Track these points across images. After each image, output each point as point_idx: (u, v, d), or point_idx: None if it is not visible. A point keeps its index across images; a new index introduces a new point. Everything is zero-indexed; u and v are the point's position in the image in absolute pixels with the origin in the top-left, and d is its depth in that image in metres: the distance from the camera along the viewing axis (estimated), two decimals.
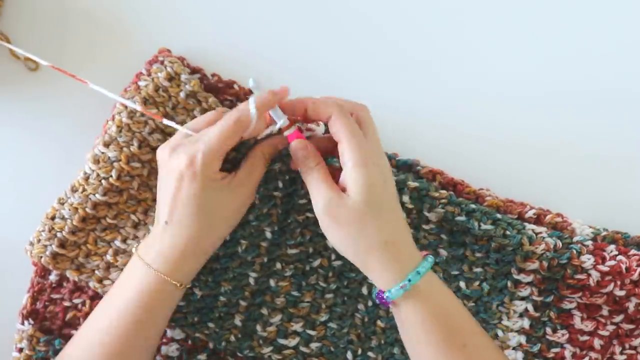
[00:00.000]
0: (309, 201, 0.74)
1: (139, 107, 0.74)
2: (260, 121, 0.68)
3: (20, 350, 0.79)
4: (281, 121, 0.70)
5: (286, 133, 0.70)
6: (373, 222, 0.65)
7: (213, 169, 0.67)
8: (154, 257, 0.69)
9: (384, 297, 0.66)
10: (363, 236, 0.66)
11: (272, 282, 0.76)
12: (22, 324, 0.79)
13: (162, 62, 0.77)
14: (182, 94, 0.76)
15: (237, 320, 0.76)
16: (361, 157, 0.65)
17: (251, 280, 0.76)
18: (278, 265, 0.76)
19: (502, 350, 0.73)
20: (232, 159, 0.72)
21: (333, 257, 0.76)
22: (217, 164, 0.68)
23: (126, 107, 0.75)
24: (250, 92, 0.79)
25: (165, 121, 0.73)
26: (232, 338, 0.77)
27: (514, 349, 0.74)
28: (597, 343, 0.73)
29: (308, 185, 0.68)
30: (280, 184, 0.74)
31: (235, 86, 0.79)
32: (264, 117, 0.69)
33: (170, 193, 0.68)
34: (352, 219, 0.65)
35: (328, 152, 0.71)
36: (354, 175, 0.65)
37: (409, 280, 0.65)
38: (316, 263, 0.76)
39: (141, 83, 0.76)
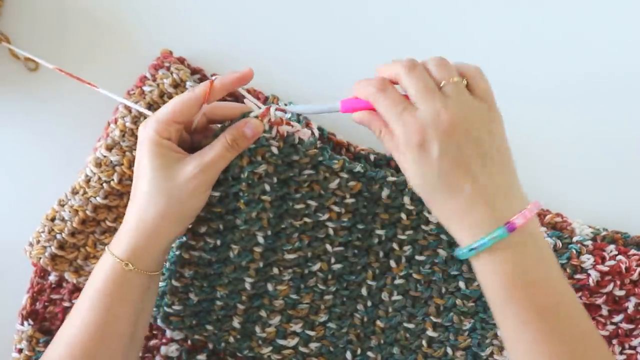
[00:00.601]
0: (307, 206, 0.74)
1: (149, 113, 0.74)
2: (214, 96, 0.68)
3: (20, 350, 0.79)
4: (260, 110, 0.70)
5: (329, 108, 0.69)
6: (434, 200, 0.64)
7: (162, 133, 0.67)
8: (112, 242, 0.69)
9: (454, 254, 0.65)
10: (432, 209, 0.65)
11: (269, 287, 0.76)
12: (22, 324, 0.79)
13: (168, 68, 0.77)
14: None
15: (236, 322, 0.76)
16: (404, 139, 0.62)
17: (247, 285, 0.75)
18: (275, 270, 0.75)
19: (589, 316, 0.66)
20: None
21: (332, 260, 0.76)
22: (167, 129, 0.67)
23: (130, 111, 0.75)
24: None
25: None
26: (231, 339, 0.76)
27: None
28: None
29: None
30: (268, 187, 0.72)
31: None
32: (217, 93, 0.69)
33: (135, 164, 0.69)
34: (420, 194, 0.65)
35: None
36: (402, 159, 0.63)
37: (476, 247, 0.62)
38: (315, 267, 0.75)
39: (146, 88, 0.76)
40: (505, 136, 0.64)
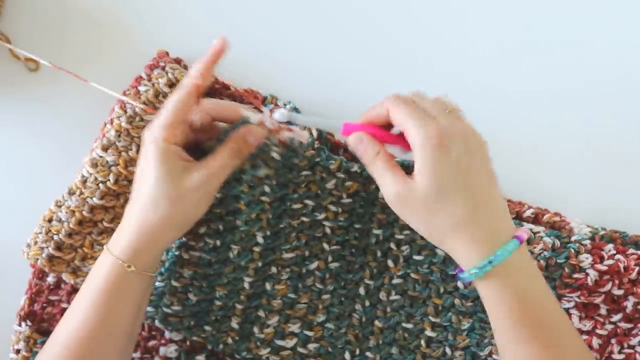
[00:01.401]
0: (305, 205, 0.75)
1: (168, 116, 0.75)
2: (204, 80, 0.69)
3: (18, 351, 0.78)
4: (258, 116, 0.70)
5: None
6: (440, 208, 0.63)
7: (168, 139, 0.67)
8: (111, 242, 0.69)
9: (459, 277, 0.65)
10: (433, 221, 0.64)
11: (267, 286, 0.76)
12: (20, 325, 0.78)
13: (163, 68, 0.77)
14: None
15: (234, 323, 0.76)
16: (423, 138, 0.62)
17: (246, 285, 0.75)
18: (273, 269, 0.76)
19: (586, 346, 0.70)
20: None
21: (330, 259, 0.76)
22: (173, 133, 0.67)
23: (125, 111, 0.76)
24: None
25: None
26: (230, 340, 0.76)
27: None
28: (595, 342, 0.73)
29: (374, 176, 0.67)
30: (268, 189, 0.73)
31: (232, 87, 0.80)
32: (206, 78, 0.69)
33: (138, 164, 0.69)
34: (420, 205, 0.63)
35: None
36: (418, 159, 0.62)
37: (490, 262, 0.62)
38: (313, 266, 0.76)
39: (141, 88, 0.76)
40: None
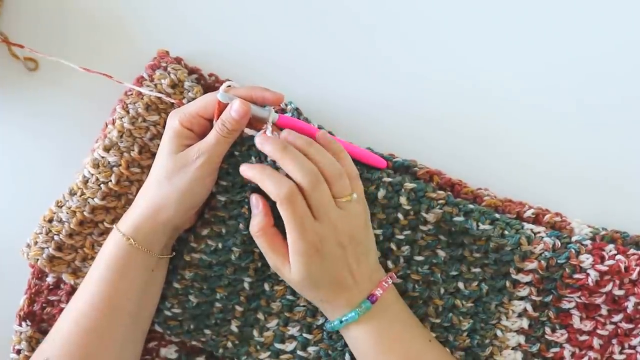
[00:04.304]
0: None
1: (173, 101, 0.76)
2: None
3: (19, 351, 0.78)
4: (271, 116, 0.72)
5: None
6: (308, 292, 0.71)
7: (184, 123, 0.71)
8: (120, 220, 0.73)
9: (325, 325, 0.74)
10: (302, 292, 0.72)
11: (266, 287, 0.76)
12: (20, 325, 0.78)
13: (165, 69, 0.77)
14: (184, 102, 0.76)
15: (234, 326, 0.76)
16: (299, 248, 0.68)
17: (246, 285, 0.75)
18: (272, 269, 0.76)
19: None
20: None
21: None
22: (189, 120, 0.71)
23: (128, 112, 0.75)
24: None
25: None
26: (229, 344, 0.76)
27: (513, 349, 0.74)
28: (596, 342, 0.73)
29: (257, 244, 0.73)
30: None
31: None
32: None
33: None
34: (292, 284, 0.71)
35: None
36: (292, 262, 0.69)
37: (341, 321, 0.71)
38: None
39: (144, 89, 0.76)
40: (369, 220, 0.73)
